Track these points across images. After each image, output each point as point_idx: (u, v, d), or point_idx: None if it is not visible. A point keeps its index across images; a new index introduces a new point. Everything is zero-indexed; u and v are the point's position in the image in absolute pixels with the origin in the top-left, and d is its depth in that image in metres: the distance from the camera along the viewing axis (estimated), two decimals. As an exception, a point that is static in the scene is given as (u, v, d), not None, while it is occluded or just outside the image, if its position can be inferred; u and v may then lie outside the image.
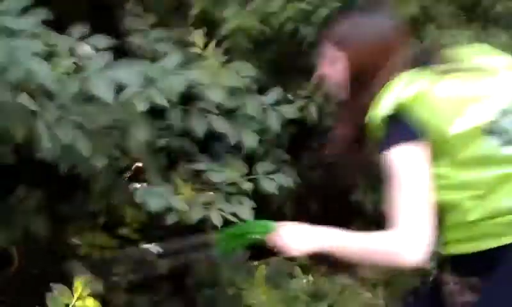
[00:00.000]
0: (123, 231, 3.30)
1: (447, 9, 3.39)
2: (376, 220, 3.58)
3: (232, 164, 2.69)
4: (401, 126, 2.17)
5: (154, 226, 3.28)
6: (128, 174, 3.23)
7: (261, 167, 2.74)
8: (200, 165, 2.64)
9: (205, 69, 2.50)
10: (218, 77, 2.50)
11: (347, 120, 2.35)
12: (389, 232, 2.16)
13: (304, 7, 2.90)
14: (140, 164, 3.04)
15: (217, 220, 2.50)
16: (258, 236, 2.33)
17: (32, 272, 3.33)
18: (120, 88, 2.27)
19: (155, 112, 2.51)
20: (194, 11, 2.81)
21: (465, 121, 2.15)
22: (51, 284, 2.40)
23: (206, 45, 2.63)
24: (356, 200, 3.58)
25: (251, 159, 2.86)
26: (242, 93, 2.64)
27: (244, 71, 2.62)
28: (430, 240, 2.12)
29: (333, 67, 2.36)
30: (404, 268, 2.25)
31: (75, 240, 3.30)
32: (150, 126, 2.46)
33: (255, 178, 2.68)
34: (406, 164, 2.16)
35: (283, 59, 3.22)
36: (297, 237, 2.30)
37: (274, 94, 2.78)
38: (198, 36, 2.62)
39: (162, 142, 2.63)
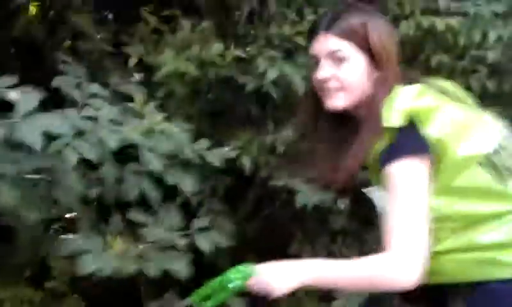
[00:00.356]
0: (51, 284, 3.14)
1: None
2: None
3: (167, 218, 2.64)
4: (411, 137, 2.11)
5: (84, 278, 3.16)
6: (58, 225, 3.15)
7: (196, 223, 2.68)
8: (135, 218, 2.59)
9: (143, 128, 2.48)
10: (155, 140, 2.48)
11: (368, 130, 2.19)
12: (382, 255, 2.10)
13: (240, 55, 2.89)
14: (71, 215, 2.96)
15: (152, 272, 2.43)
16: (239, 284, 2.20)
17: None
18: (49, 137, 2.20)
19: (89, 163, 2.45)
20: (133, 60, 2.81)
21: (470, 146, 2.13)
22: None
23: (146, 99, 2.61)
24: (293, 253, 3.54)
25: (187, 206, 2.85)
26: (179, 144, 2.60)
27: (182, 130, 2.61)
28: (425, 260, 2.07)
29: (339, 67, 2.21)
30: (399, 290, 2.16)
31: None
32: (81, 177, 2.42)
33: (190, 234, 2.62)
34: (408, 179, 2.11)
35: (218, 107, 3.21)
36: (278, 275, 2.17)
37: (207, 140, 2.78)
38: (137, 91, 2.61)
39: (93, 193, 2.54)
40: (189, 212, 2.86)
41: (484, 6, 3.56)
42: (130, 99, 2.62)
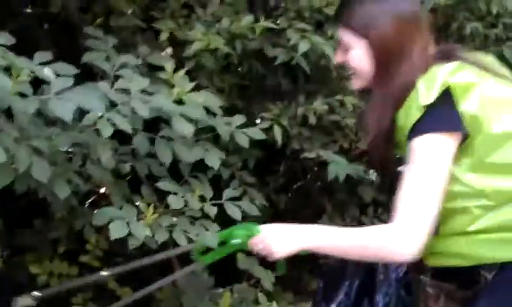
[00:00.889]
0: (84, 258, 3.21)
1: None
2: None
3: (197, 188, 2.65)
4: (444, 113, 2.12)
5: (116, 252, 3.24)
6: (91, 199, 3.22)
7: (227, 193, 2.71)
8: (164, 188, 2.60)
9: (172, 97, 2.48)
10: (185, 108, 2.47)
11: (382, 109, 2.25)
12: (384, 226, 2.16)
13: (271, 26, 2.91)
14: (103, 190, 3.02)
15: (182, 241, 2.46)
16: (240, 241, 2.28)
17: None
18: (82, 112, 2.25)
19: (120, 136, 2.49)
20: (164, 35, 2.83)
21: (505, 123, 2.13)
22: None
23: (175, 70, 2.60)
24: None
25: (218, 182, 2.85)
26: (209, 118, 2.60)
27: (211, 101, 2.61)
28: (426, 237, 2.10)
29: (347, 54, 2.29)
30: (395, 262, 2.28)
31: (34, 269, 3.20)
32: (114, 151, 2.45)
33: (220, 203, 2.65)
34: (429, 154, 2.13)
35: (249, 80, 3.24)
36: (280, 238, 2.24)
37: (241, 117, 2.77)
38: (167, 62, 2.60)
39: (126, 166, 2.59)
40: (219, 184, 2.88)
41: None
42: (160, 70, 2.65)
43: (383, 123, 2.21)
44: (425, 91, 2.10)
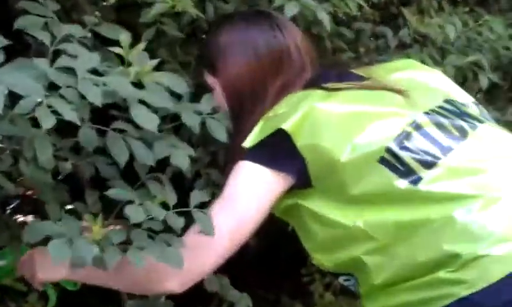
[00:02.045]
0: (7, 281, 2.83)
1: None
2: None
3: (158, 193, 2.29)
4: (269, 148, 2.07)
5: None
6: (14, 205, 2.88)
7: (195, 197, 2.30)
8: (116, 197, 2.23)
9: (130, 78, 2.13)
10: (147, 93, 2.13)
11: (233, 156, 2.21)
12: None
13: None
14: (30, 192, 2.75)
15: (139, 263, 2.09)
16: (5, 262, 2.18)
17: None
18: (14, 97, 1.91)
19: (59, 127, 2.14)
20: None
21: (361, 144, 2.01)
22: None
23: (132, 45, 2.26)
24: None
25: (179, 178, 2.53)
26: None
27: (177, 83, 2.24)
28: (200, 277, 2.15)
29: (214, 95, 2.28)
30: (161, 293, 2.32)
31: None
32: (53, 146, 2.12)
33: (187, 211, 2.27)
34: (245, 185, 2.10)
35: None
36: (46, 262, 2.10)
37: (213, 101, 2.40)
38: (121, 33, 2.22)
39: (67, 165, 2.24)
40: (182, 184, 2.56)
41: None
42: (112, 43, 2.28)
43: None
44: (257, 132, 2.10)
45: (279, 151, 2.10)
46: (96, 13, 2.44)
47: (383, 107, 2.13)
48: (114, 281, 2.22)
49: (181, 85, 2.31)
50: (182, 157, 2.28)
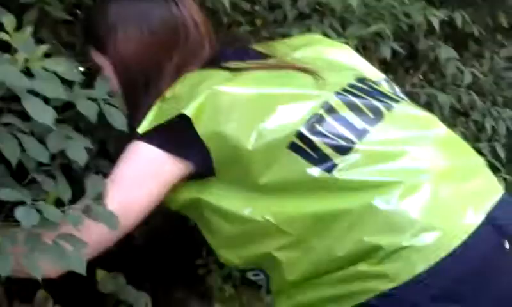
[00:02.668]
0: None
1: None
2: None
3: (51, 189, 2.14)
4: (169, 133, 1.98)
5: None
6: None
7: (91, 191, 2.14)
8: (6, 198, 2.03)
9: (18, 66, 2.00)
10: (38, 82, 1.98)
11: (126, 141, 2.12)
12: None
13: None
14: None
15: (36, 272, 1.95)
16: None
17: None
18: None
19: None
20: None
21: (268, 129, 1.94)
22: None
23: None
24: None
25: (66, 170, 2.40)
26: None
27: (68, 69, 2.10)
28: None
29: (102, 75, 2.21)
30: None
31: None
32: None
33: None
34: (137, 166, 2.01)
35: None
36: None
37: (104, 84, 2.25)
38: (6, 17, 2.08)
39: None
40: (70, 176, 2.41)
41: None
42: None
43: None
44: (151, 118, 2.00)
45: (178, 135, 2.02)
46: None
47: (291, 89, 2.07)
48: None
49: (73, 72, 2.20)
50: (78, 149, 2.15)
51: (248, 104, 2.01)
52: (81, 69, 2.34)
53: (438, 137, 2.09)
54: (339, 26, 3.08)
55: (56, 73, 2.11)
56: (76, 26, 2.60)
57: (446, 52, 3.67)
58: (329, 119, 2.00)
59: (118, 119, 2.24)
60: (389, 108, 2.10)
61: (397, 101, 2.19)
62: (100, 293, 2.94)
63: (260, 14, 3.06)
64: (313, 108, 2.00)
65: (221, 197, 2.04)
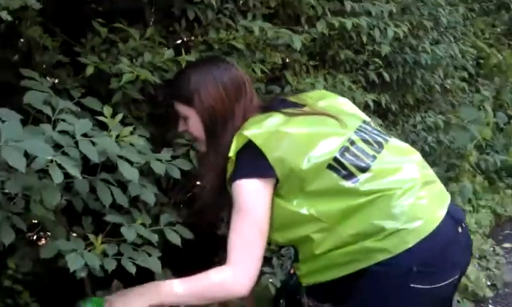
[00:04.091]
0: (6, 283, 2.78)
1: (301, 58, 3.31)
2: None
3: (138, 217, 2.42)
4: (249, 161, 2.14)
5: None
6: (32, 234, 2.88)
7: (164, 219, 2.49)
8: (112, 220, 2.36)
9: (112, 140, 2.23)
10: (126, 151, 2.23)
11: (211, 167, 2.27)
12: (220, 269, 2.16)
13: (190, 59, 2.66)
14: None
15: (131, 269, 2.23)
16: None
17: None
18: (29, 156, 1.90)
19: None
20: (90, 69, 2.50)
21: (315, 155, 2.14)
22: None
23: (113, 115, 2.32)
24: (222, 233, 3.31)
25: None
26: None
27: (142, 145, 2.38)
28: (256, 271, 2.15)
29: (187, 123, 2.31)
30: (233, 298, 2.27)
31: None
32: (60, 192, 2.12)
33: (159, 229, 2.42)
34: (248, 197, 2.15)
35: (163, 109, 3.00)
36: (128, 302, 2.16)
37: (168, 150, 2.56)
38: (105, 107, 2.31)
39: (63, 202, 2.30)
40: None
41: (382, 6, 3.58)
42: (94, 111, 2.38)
43: (216, 177, 2.27)
44: (233, 144, 2.15)
45: (256, 163, 2.15)
46: (77, 84, 2.49)
47: (326, 128, 2.24)
48: (189, 301, 2.23)
49: (146, 144, 2.41)
50: (150, 194, 2.36)
51: (301, 139, 2.16)
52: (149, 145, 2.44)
53: (415, 160, 2.30)
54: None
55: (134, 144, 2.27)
56: (143, 104, 2.74)
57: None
58: (352, 149, 2.19)
59: (175, 173, 2.48)
60: (386, 141, 2.30)
61: (388, 136, 2.38)
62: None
63: (261, 97, 2.97)
64: (343, 142, 2.19)
65: (282, 197, 2.20)
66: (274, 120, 2.20)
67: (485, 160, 5.56)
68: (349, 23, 3.16)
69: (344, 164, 2.17)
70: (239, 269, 2.13)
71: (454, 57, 4.47)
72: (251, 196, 2.14)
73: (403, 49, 3.86)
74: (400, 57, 3.85)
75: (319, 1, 3.15)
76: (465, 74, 5.17)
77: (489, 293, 4.25)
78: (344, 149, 2.20)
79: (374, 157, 2.21)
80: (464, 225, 2.28)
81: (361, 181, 2.14)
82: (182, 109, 2.33)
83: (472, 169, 5.43)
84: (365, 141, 2.26)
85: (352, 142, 2.23)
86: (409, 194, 2.17)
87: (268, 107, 2.33)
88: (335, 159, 2.16)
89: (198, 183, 2.71)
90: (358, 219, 2.14)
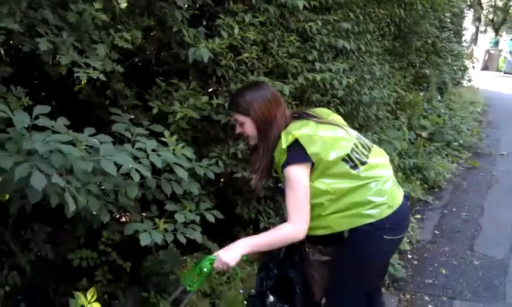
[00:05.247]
0: (102, 247, 2.82)
1: (288, 99, 3.20)
2: (248, 224, 3.46)
3: (187, 205, 2.41)
4: (296, 153, 2.09)
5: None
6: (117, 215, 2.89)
7: (202, 206, 2.46)
8: (170, 209, 2.35)
9: (170, 152, 2.24)
10: (180, 160, 2.24)
11: (263, 155, 2.19)
12: (286, 225, 2.11)
13: (219, 102, 2.70)
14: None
15: (183, 240, 2.23)
16: (209, 268, 2.11)
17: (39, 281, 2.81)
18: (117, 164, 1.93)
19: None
20: (155, 110, 2.53)
21: (336, 152, 2.12)
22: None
23: (171, 135, 2.36)
24: (238, 212, 3.40)
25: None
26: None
27: (190, 153, 2.36)
28: (308, 221, 2.11)
29: (243, 127, 2.23)
30: (297, 240, 2.15)
31: (70, 255, 2.81)
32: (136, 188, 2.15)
33: (201, 213, 2.41)
34: (297, 177, 2.09)
35: (201, 133, 3.00)
36: (228, 255, 2.09)
37: (207, 160, 2.57)
38: (166, 131, 2.34)
39: (139, 194, 2.25)
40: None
41: (338, 65, 3.52)
42: (158, 134, 2.35)
43: (266, 161, 2.20)
44: (284, 140, 2.11)
45: (301, 152, 2.07)
46: (146, 119, 2.50)
47: (341, 134, 2.20)
48: (268, 246, 2.16)
49: (191, 155, 2.38)
50: (194, 188, 2.36)
51: (328, 140, 2.11)
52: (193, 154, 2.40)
53: (387, 159, 2.27)
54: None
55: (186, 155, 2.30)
56: (188, 131, 2.69)
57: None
58: (356, 149, 2.16)
59: (209, 174, 2.46)
60: (372, 146, 2.25)
61: (370, 142, 2.32)
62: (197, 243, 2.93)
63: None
64: (351, 144, 2.16)
65: (312, 178, 2.12)
66: (310, 126, 2.16)
67: (403, 163, 5.70)
68: (318, 77, 3.17)
69: (352, 158, 2.15)
70: (298, 222, 2.08)
71: (382, 98, 4.46)
72: (299, 175, 2.08)
73: (351, 93, 3.82)
74: (350, 98, 3.80)
75: (299, 63, 3.15)
76: (389, 108, 5.25)
77: (407, 247, 4.30)
78: (352, 149, 2.17)
79: (367, 156, 2.20)
80: (407, 202, 2.28)
81: (361, 171, 2.14)
82: (240, 117, 2.22)
83: (396, 168, 5.49)
84: (362, 145, 2.24)
85: (356, 145, 2.20)
86: (389, 182, 2.19)
87: (300, 116, 2.24)
88: (347, 155, 2.14)
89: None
90: (357, 194, 2.12)
